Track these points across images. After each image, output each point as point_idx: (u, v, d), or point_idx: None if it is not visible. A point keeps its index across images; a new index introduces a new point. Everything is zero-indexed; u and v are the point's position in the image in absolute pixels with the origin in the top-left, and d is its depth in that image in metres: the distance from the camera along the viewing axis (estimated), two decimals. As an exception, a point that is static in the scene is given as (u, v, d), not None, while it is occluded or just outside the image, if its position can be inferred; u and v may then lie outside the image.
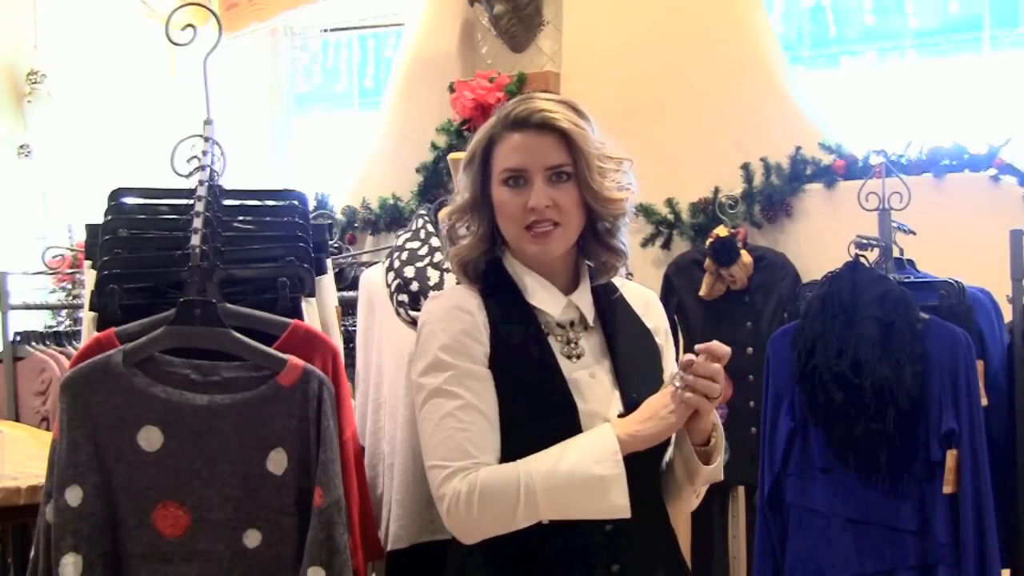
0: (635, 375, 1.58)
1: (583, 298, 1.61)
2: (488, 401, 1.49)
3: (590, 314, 1.61)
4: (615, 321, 1.63)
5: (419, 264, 2.21)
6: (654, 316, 1.69)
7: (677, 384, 1.46)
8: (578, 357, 1.57)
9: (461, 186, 1.62)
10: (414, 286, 2.15)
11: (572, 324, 1.60)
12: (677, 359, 1.57)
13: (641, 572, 1.53)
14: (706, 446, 1.56)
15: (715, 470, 1.56)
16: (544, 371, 1.52)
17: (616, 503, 1.41)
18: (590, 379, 1.55)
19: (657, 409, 1.47)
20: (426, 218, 2.34)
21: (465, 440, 1.46)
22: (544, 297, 1.58)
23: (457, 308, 1.55)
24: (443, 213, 1.65)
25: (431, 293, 1.99)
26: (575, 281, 1.63)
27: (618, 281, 1.70)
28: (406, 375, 2.16)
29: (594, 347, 1.60)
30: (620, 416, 1.53)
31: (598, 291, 1.64)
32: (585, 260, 1.64)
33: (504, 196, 1.55)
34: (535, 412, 1.49)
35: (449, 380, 1.48)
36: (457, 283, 1.65)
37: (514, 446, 1.48)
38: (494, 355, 1.52)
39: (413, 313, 2.12)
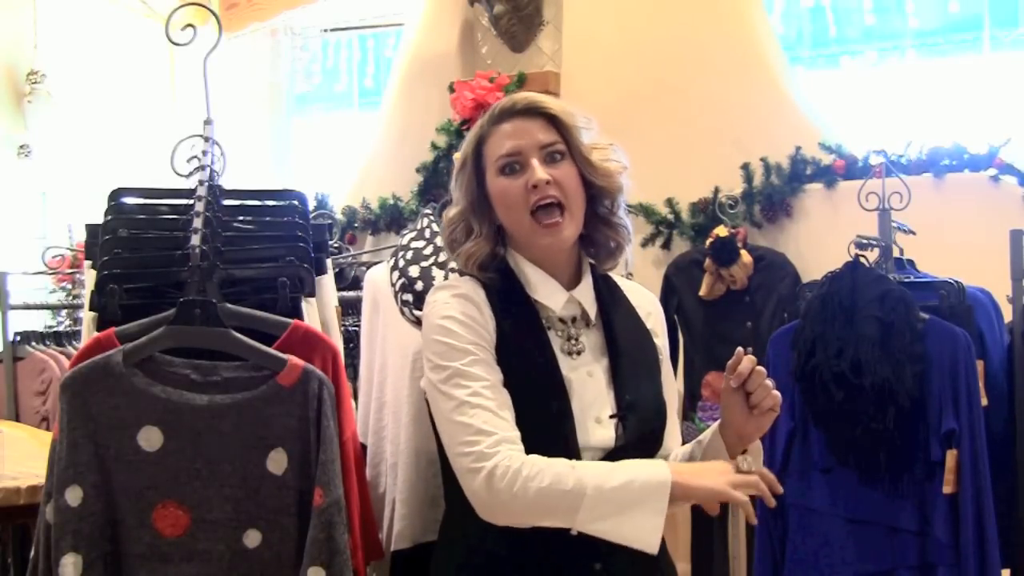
0: (632, 376, 1.58)
1: (585, 294, 1.61)
2: (504, 388, 1.49)
3: (592, 310, 1.61)
4: (616, 319, 1.62)
5: (424, 264, 2.20)
6: (655, 321, 1.69)
7: (743, 466, 1.44)
8: (578, 353, 1.57)
9: (456, 195, 1.62)
10: (419, 285, 2.15)
11: (574, 320, 1.60)
12: (676, 365, 1.56)
13: (624, 573, 1.50)
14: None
15: None
16: (543, 368, 1.52)
17: (649, 539, 1.38)
18: (587, 377, 1.55)
19: (716, 472, 1.41)
20: (431, 217, 2.33)
21: (497, 414, 1.44)
22: (546, 291, 1.58)
23: (464, 298, 1.54)
24: (444, 221, 1.65)
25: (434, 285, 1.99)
26: (577, 276, 1.62)
27: (620, 281, 1.70)
28: (410, 374, 2.16)
29: (594, 344, 1.60)
30: (611, 416, 1.53)
31: (600, 287, 1.64)
32: (589, 248, 1.64)
33: (503, 184, 1.55)
34: (529, 408, 1.48)
35: (471, 363, 1.48)
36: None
37: None
38: (496, 348, 1.52)
39: (417, 312, 2.10)
